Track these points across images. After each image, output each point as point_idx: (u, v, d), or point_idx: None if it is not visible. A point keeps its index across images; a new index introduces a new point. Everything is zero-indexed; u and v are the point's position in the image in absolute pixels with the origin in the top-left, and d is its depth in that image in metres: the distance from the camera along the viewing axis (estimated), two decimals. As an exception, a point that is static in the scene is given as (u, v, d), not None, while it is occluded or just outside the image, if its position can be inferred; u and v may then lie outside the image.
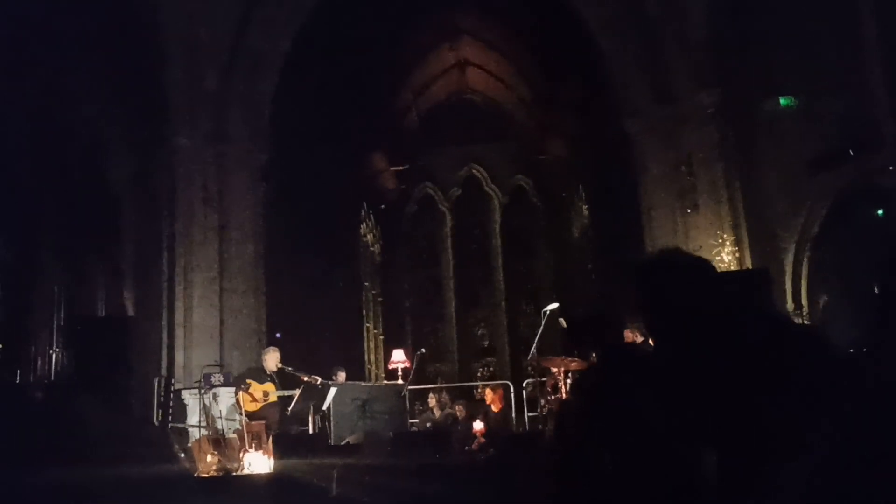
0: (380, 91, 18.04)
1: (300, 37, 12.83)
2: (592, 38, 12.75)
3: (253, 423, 9.06)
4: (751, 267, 11.00)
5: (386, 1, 14.33)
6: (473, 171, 21.67)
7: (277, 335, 12.67)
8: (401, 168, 20.64)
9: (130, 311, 11.58)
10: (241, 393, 9.40)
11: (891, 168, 8.82)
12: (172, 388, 10.55)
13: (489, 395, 11.63)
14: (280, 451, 8.07)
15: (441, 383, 17.29)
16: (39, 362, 11.06)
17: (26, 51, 10.89)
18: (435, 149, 21.12)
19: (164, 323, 11.22)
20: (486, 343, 21.10)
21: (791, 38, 11.00)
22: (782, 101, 11.46)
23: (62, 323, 11.04)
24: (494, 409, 11.41)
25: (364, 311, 19.02)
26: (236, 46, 12.32)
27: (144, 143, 12.01)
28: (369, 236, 20.23)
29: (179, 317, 11.34)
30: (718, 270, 9.48)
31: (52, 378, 10.71)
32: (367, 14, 14.20)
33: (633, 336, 8.86)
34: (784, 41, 11.10)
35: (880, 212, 11.28)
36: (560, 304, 10.81)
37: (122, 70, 12.05)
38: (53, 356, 10.87)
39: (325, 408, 9.73)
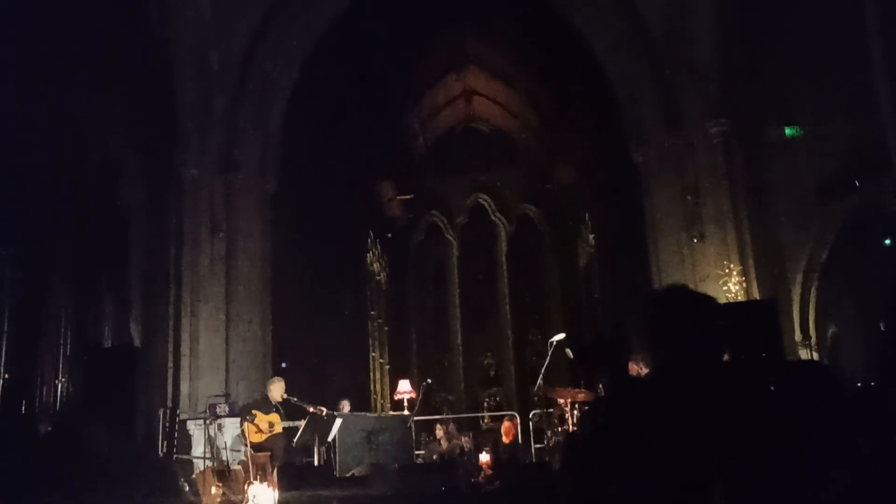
0: (387, 120, 18.17)
1: (309, 66, 12.98)
2: (600, 66, 12.83)
3: (258, 454, 9.01)
4: (758, 297, 10.94)
5: (393, 31, 14.47)
6: (480, 199, 21.74)
7: (283, 364, 12.65)
8: (407, 197, 20.71)
9: (137, 341, 11.59)
10: (246, 424, 9.36)
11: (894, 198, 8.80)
12: (178, 419, 10.51)
13: (505, 424, 11.56)
14: (285, 483, 8.00)
15: (447, 413, 17.21)
16: (45, 391, 11.05)
17: (40, 76, 11.01)
18: (441, 177, 21.23)
19: (170, 352, 11.21)
20: (493, 372, 21.00)
21: (799, 65, 11.04)
22: (788, 130, 11.46)
23: (69, 352, 11.05)
24: (506, 440, 11.34)
25: (370, 341, 18.99)
26: (246, 75, 12.44)
27: (155, 170, 12.09)
28: (376, 265, 20.25)
29: (185, 346, 11.33)
30: (726, 301, 9.46)
31: (58, 407, 10.70)
32: (374, 44, 14.36)
33: (637, 368, 8.83)
34: (792, 69, 11.13)
35: (888, 241, 11.25)
36: (567, 335, 10.77)
37: (134, 97, 12.16)
38: (59, 385, 10.86)
39: (330, 439, 9.68)
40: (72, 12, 10.90)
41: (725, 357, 2.36)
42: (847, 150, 10.83)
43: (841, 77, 10.36)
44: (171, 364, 11.14)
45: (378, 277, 20.46)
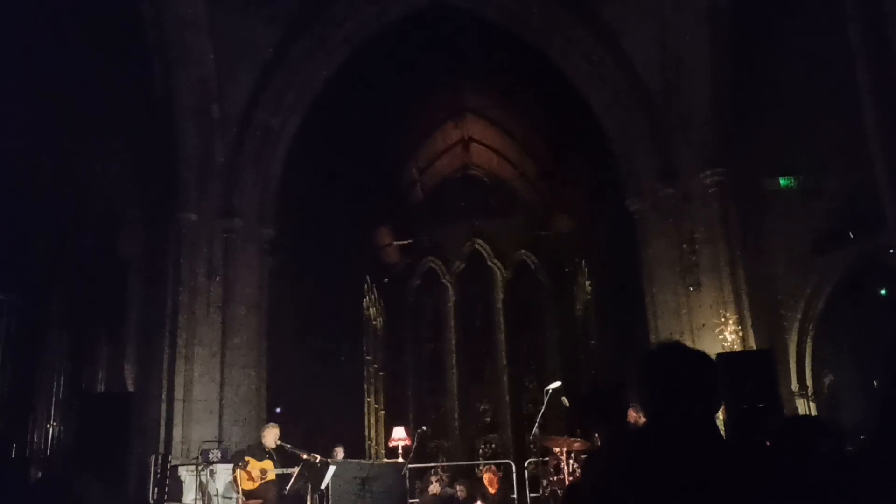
0: (386, 167, 18.32)
1: (309, 115, 13.13)
2: (597, 117, 12.97)
3: (250, 501, 8.90)
4: (754, 346, 10.92)
5: (393, 79, 14.68)
6: (477, 245, 21.81)
7: (278, 410, 12.56)
8: (405, 242, 20.79)
9: (131, 387, 11.52)
10: (238, 471, 9.26)
11: (892, 251, 8.83)
12: (170, 465, 10.38)
13: (486, 476, 11.45)
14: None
15: (442, 459, 17.03)
16: (37, 436, 10.93)
17: (43, 125, 11.13)
18: (439, 223, 21.32)
19: (164, 398, 11.12)
20: (489, 419, 20.83)
21: (794, 116, 11.16)
22: (782, 181, 11.56)
23: (62, 397, 10.97)
24: (491, 490, 11.22)
25: (366, 386, 18.87)
26: (246, 124, 12.59)
27: (155, 218, 12.16)
28: (372, 310, 20.23)
29: (179, 392, 11.25)
30: (722, 349, 9.45)
31: (49, 453, 10.57)
32: (374, 93, 14.54)
33: (636, 416, 8.78)
34: (787, 120, 11.25)
35: (883, 291, 11.28)
36: (563, 383, 10.73)
37: (135, 145, 12.29)
38: (51, 431, 10.74)
39: (323, 486, 9.55)
40: (75, 63, 11.07)
41: (720, 410, 2.36)
42: (842, 201, 10.91)
43: (835, 129, 10.47)
44: (164, 409, 11.04)
45: (375, 322, 20.42)
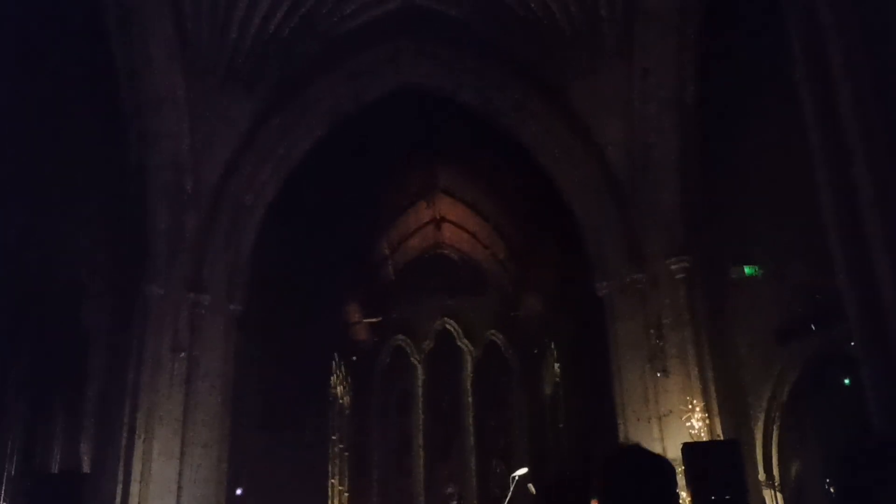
0: (357, 244, 18.41)
1: (282, 192, 13.23)
2: (566, 202, 13.22)
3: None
4: (721, 433, 10.93)
5: (368, 157, 14.90)
6: (447, 324, 21.81)
7: (238, 491, 12.26)
8: (375, 320, 20.74)
9: (86, 466, 11.17)
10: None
11: (851, 343, 8.98)
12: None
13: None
14: None
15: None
16: (-17, 516, 10.52)
17: (11, 195, 11.08)
18: (409, 302, 21.36)
19: (121, 477, 10.78)
20: (455, 502, 20.42)
21: (758, 205, 11.41)
22: (747, 269, 11.71)
23: (13, 474, 10.59)
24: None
25: (330, 466, 18.48)
26: (219, 197, 12.62)
27: (121, 290, 12.02)
28: (339, 388, 19.98)
29: (137, 471, 10.92)
30: (690, 438, 9.41)
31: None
32: (349, 168, 14.73)
33: (602, 505, 8.70)
34: (754, 208, 11.49)
35: (847, 381, 11.38)
36: (531, 467, 10.63)
37: (104, 217, 12.25)
38: (-1, 511, 10.34)
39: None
40: (47, 129, 11.13)
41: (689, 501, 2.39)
42: (803, 291, 11.08)
43: (797, 219, 10.72)
44: (119, 490, 10.70)
45: (341, 401, 20.15)
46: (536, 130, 13.31)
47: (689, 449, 8.68)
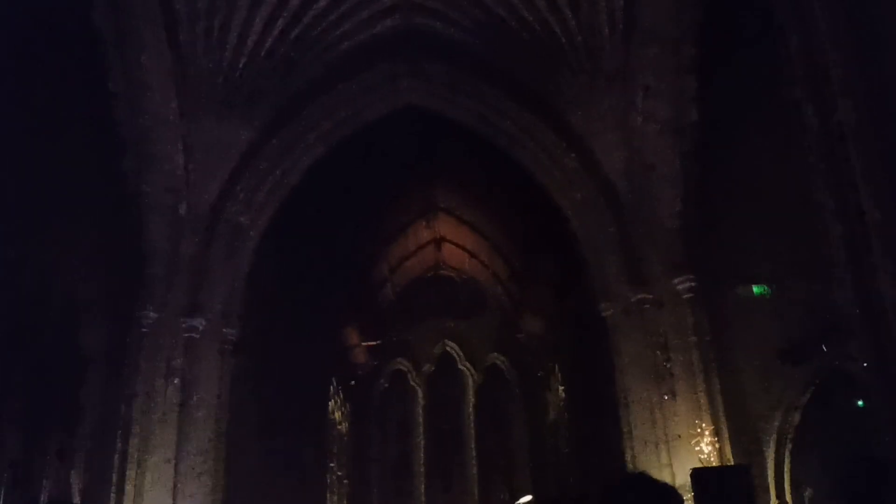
0: (356, 266, 18.32)
1: (280, 210, 13.16)
2: (566, 221, 13.14)
3: None
4: (731, 458, 10.76)
5: (366, 178, 14.84)
6: (447, 347, 21.65)
7: (234, 522, 12.04)
8: (373, 343, 20.61)
9: (77, 497, 10.99)
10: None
11: (860, 361, 8.84)
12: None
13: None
14: None
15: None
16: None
17: (5, 220, 11.01)
18: (409, 324, 21.23)
19: (112, 507, 10.62)
20: (458, 531, 20.19)
21: (762, 221, 11.33)
22: (755, 289, 11.61)
23: (2, 506, 10.41)
24: None
25: (328, 494, 18.24)
26: (216, 219, 12.55)
27: (117, 315, 11.91)
28: (338, 413, 19.77)
29: (129, 500, 10.74)
30: (699, 463, 9.25)
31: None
32: (347, 190, 14.67)
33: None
34: (755, 225, 11.42)
35: (860, 402, 11.22)
36: (534, 495, 10.46)
37: (101, 241, 12.16)
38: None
39: None
40: (44, 151, 11.07)
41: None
42: (811, 308, 10.96)
43: (800, 234, 10.64)
44: (111, 520, 10.52)
45: (339, 427, 19.93)
46: (536, 151, 13.26)
47: (699, 474, 8.48)
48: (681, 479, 9.88)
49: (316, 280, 15.67)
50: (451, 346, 21.65)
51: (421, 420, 21.11)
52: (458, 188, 18.17)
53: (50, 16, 10.35)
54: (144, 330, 11.71)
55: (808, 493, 12.62)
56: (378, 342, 20.71)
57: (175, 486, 11.14)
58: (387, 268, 20.54)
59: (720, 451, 10.87)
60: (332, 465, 18.73)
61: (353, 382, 20.37)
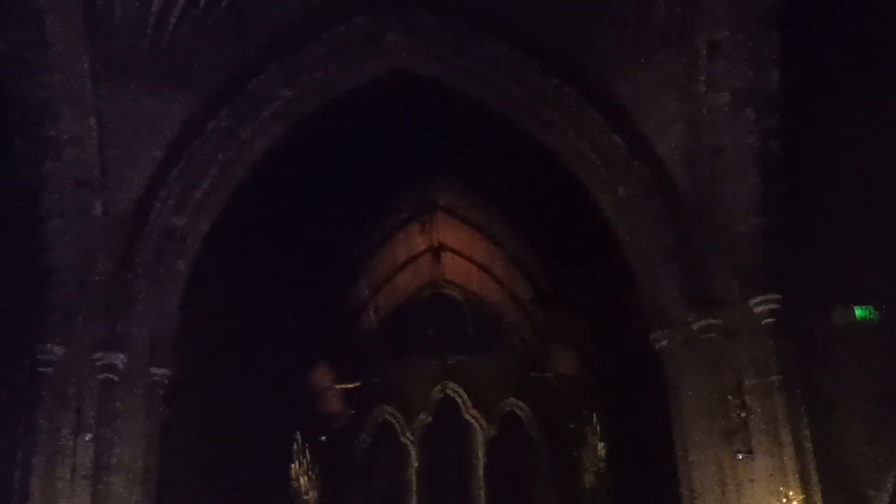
0: (329, 284, 18.32)
1: (226, 211, 13.16)
2: (608, 223, 13.14)
3: None
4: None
5: (340, 168, 14.85)
6: (449, 391, 21.75)
7: None
8: (351, 385, 20.66)
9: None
10: None
11: None
12: None
13: None
14: None
15: None
16: None
17: None
18: (399, 361, 21.27)
19: None
20: None
21: (869, 226, 11.37)
22: (859, 311, 11.63)
23: None
24: None
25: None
26: (141, 223, 12.55)
27: (9, 350, 11.90)
28: (303, 479, 19.83)
29: None
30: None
31: None
32: (314, 184, 14.67)
33: None
34: (860, 230, 11.46)
35: None
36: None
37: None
38: None
39: None
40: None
41: None
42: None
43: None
44: None
45: (306, 497, 19.96)
46: (566, 130, 13.29)
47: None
48: (761, 565, 9.89)
49: (275, 302, 15.68)
50: (455, 390, 21.71)
51: (414, 487, 21.14)
52: (462, 181, 18.22)
53: None
54: (46, 370, 11.68)
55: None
56: (357, 384, 20.81)
57: (84, 579, 11.13)
58: (368, 286, 20.56)
59: (813, 529, 10.89)
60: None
61: (323, 438, 20.39)
